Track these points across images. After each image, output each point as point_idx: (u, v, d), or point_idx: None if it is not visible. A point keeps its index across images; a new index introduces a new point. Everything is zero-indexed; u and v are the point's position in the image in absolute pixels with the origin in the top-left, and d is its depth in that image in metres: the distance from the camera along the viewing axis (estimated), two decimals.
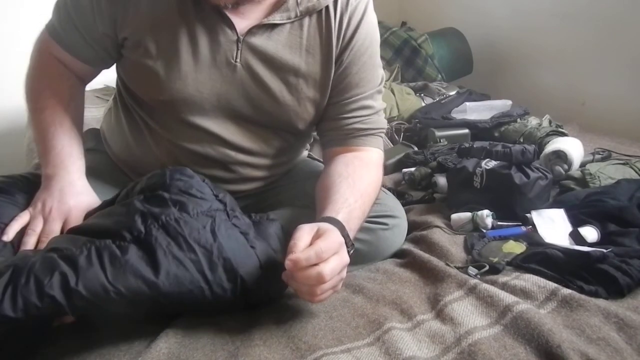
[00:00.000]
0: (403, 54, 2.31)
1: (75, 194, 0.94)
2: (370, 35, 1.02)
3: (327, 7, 0.98)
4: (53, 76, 1.01)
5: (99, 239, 0.77)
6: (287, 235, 0.88)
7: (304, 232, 0.79)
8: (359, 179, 0.95)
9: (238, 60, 0.95)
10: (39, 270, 0.72)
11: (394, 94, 1.97)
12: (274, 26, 0.95)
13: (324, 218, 0.86)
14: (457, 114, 1.85)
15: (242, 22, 0.94)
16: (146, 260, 0.76)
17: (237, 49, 0.95)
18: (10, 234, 0.87)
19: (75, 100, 1.03)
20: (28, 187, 0.97)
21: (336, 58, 1.00)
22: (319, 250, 0.75)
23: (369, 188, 0.96)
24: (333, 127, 1.04)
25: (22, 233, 0.89)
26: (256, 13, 0.95)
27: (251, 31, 0.94)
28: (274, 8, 0.95)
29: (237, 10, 0.93)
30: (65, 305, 0.71)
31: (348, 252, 0.82)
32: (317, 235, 0.79)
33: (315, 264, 0.75)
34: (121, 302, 0.73)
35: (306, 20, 0.97)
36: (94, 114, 1.65)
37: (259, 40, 0.95)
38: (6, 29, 2.08)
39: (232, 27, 0.94)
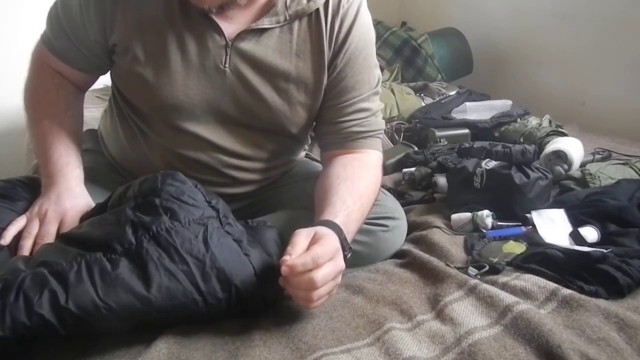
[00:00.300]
0: (403, 54, 2.31)
1: (72, 197, 0.94)
2: (364, 37, 1.00)
3: (317, 11, 0.96)
4: (49, 87, 1.02)
5: (89, 252, 0.77)
6: (285, 241, 0.88)
7: (301, 237, 0.78)
8: (357, 181, 0.95)
9: (227, 65, 0.95)
10: (28, 287, 0.71)
11: (394, 94, 1.97)
12: (263, 31, 0.94)
13: (321, 222, 0.85)
14: (457, 114, 1.85)
15: (231, 27, 0.94)
16: (137, 274, 0.75)
17: (226, 55, 0.94)
18: (7, 237, 0.87)
19: (72, 109, 1.03)
20: (27, 192, 0.97)
21: (329, 62, 0.98)
22: (316, 255, 0.75)
23: (368, 190, 0.96)
24: (330, 131, 1.03)
25: (19, 237, 0.88)
26: (244, 17, 0.94)
27: (240, 36, 0.94)
28: (263, 12, 0.94)
29: (224, 15, 0.92)
30: (55, 323, 0.70)
31: (345, 255, 0.82)
32: (314, 240, 0.79)
33: (310, 270, 0.74)
34: (113, 318, 0.72)
35: (296, 24, 0.96)
36: (94, 114, 1.65)
37: (248, 45, 0.94)
38: (6, 29, 2.08)
39: (220, 32, 0.93)
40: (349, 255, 0.85)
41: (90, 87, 1.09)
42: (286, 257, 0.75)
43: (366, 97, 1.02)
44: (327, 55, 0.98)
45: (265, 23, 0.94)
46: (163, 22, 0.93)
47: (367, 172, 0.99)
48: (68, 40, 0.98)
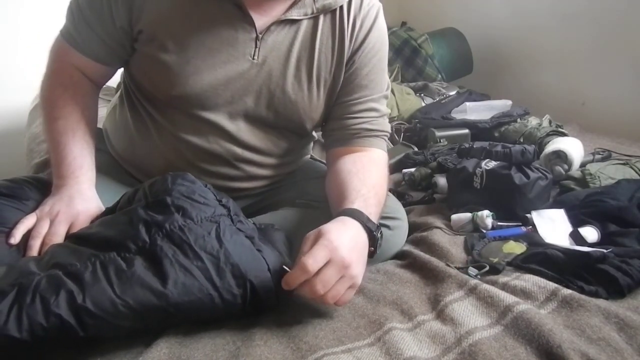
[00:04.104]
0: (403, 54, 2.32)
1: (84, 200, 0.94)
2: (381, 39, 1.04)
3: (341, 8, 0.99)
4: (67, 85, 1.01)
5: (103, 252, 0.77)
6: (292, 242, 0.89)
7: (306, 244, 0.79)
8: (368, 174, 0.96)
9: (256, 58, 0.96)
10: (44, 289, 0.71)
11: (394, 94, 1.98)
12: (291, 23, 0.96)
13: (338, 212, 0.86)
14: (457, 114, 1.85)
15: (262, 19, 0.95)
16: (153, 271, 0.75)
17: (256, 47, 0.95)
18: (17, 236, 0.87)
19: (89, 109, 1.03)
20: (34, 192, 0.96)
21: (348, 59, 1.01)
22: (303, 266, 0.75)
23: (380, 181, 0.97)
24: (339, 127, 1.04)
25: (28, 235, 0.88)
26: (276, 11, 0.95)
27: (269, 29, 0.95)
28: (292, 4, 0.96)
29: (259, 7, 0.94)
30: (73, 323, 0.70)
31: (375, 236, 0.84)
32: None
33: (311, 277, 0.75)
34: (131, 316, 0.72)
35: (321, 18, 0.98)
36: None
37: (276, 38, 0.96)
38: (6, 30, 2.08)
39: (251, 24, 0.94)
40: (379, 234, 0.86)
41: (106, 82, 1.08)
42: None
43: (377, 98, 1.05)
44: (347, 51, 1.00)
45: (293, 14, 0.96)
46: (194, 11, 0.93)
47: (376, 167, 1.00)
48: (90, 30, 0.97)
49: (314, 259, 0.75)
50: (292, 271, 0.76)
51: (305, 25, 0.97)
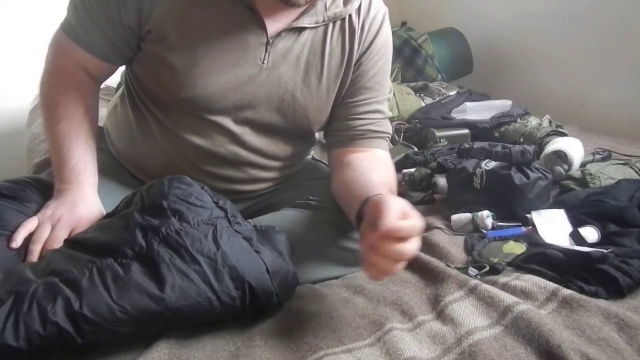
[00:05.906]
0: (403, 54, 2.32)
1: (86, 205, 0.93)
2: (387, 43, 1.05)
3: (350, 14, 0.99)
4: (69, 85, 0.98)
5: (100, 258, 0.77)
6: (293, 245, 0.89)
7: (396, 203, 0.74)
8: (388, 172, 0.99)
9: (265, 62, 0.96)
10: (41, 296, 0.71)
11: (394, 94, 1.97)
12: (302, 29, 0.96)
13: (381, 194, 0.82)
14: (457, 114, 1.85)
15: (274, 24, 0.95)
16: (150, 276, 0.75)
17: (266, 52, 0.95)
18: (18, 240, 0.86)
19: (91, 110, 1.01)
20: (36, 194, 0.95)
21: (355, 62, 1.02)
22: (411, 227, 0.71)
23: (395, 180, 0.99)
24: (344, 128, 1.04)
25: (29, 239, 0.87)
26: (288, 18, 0.95)
27: (280, 34, 0.95)
28: (304, 11, 0.96)
29: (271, 12, 0.93)
30: (71, 331, 0.70)
31: None
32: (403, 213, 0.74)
33: (402, 240, 0.71)
34: (128, 321, 0.72)
35: (331, 25, 0.99)
36: None
37: (287, 44, 0.96)
38: (6, 30, 2.08)
39: (263, 28, 0.94)
40: None
41: (107, 79, 1.06)
42: (383, 221, 0.70)
43: (381, 101, 1.06)
44: (355, 54, 1.01)
45: (305, 22, 0.96)
46: (205, 11, 0.92)
47: (390, 165, 1.02)
48: (95, 26, 0.94)
49: (415, 227, 0.72)
50: (401, 223, 0.71)
51: (315, 32, 0.98)
